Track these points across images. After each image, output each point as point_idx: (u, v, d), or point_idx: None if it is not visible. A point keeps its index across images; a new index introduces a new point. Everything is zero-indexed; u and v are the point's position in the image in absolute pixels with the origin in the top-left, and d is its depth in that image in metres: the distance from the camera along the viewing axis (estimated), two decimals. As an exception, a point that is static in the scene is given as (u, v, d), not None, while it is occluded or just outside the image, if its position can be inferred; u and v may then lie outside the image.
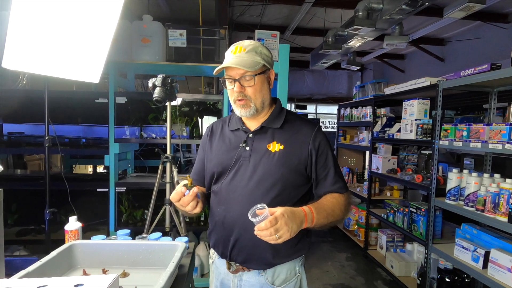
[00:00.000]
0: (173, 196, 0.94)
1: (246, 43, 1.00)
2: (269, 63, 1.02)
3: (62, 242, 1.17)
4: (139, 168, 3.12)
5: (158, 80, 1.64)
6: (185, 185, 0.92)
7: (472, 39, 4.71)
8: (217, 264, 1.13)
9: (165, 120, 2.53)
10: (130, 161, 2.91)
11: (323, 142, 1.05)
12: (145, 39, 2.29)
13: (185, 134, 2.60)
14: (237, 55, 0.97)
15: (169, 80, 1.68)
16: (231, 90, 1.01)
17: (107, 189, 2.39)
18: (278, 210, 0.82)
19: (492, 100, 2.24)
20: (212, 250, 1.17)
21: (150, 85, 1.66)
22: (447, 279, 2.35)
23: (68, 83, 2.77)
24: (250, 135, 1.05)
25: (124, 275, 1.07)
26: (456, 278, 2.33)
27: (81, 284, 0.77)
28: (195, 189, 0.92)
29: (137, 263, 1.13)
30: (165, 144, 2.00)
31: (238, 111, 1.02)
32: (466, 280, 2.34)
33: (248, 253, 1.00)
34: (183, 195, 0.92)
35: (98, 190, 2.42)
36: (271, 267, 1.02)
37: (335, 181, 1.03)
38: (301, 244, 1.04)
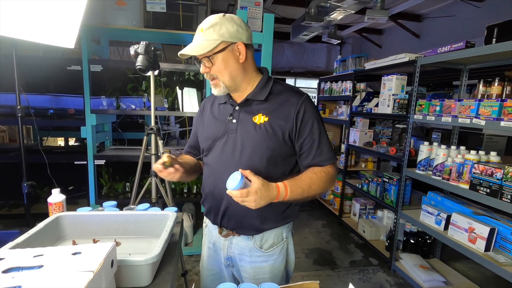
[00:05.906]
0: (155, 167, 1.01)
1: (206, 21, 0.95)
2: (234, 37, 0.94)
3: (43, 215, 1.14)
4: (118, 140, 3.01)
5: (141, 47, 1.54)
6: (163, 163, 0.98)
7: (447, 16, 4.83)
8: (210, 228, 1.19)
9: (145, 91, 2.44)
10: (108, 133, 2.80)
11: (309, 113, 1.00)
12: (121, 1, 2.11)
13: (165, 106, 2.53)
14: (196, 37, 0.96)
15: (152, 48, 1.59)
16: None
17: (85, 162, 2.31)
18: (254, 185, 0.86)
19: (463, 77, 2.37)
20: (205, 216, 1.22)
21: (132, 52, 1.56)
22: (412, 241, 2.61)
23: (35, 48, 2.54)
24: (237, 108, 1.04)
25: (116, 244, 1.08)
26: (419, 239, 2.60)
27: (79, 253, 0.77)
28: (170, 170, 0.99)
29: (127, 233, 1.15)
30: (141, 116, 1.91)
31: (212, 90, 1.04)
32: (428, 241, 2.62)
33: (237, 221, 1.05)
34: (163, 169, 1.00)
35: (75, 163, 2.33)
36: (259, 232, 1.06)
37: (318, 153, 1.01)
38: (288, 212, 1.08)
